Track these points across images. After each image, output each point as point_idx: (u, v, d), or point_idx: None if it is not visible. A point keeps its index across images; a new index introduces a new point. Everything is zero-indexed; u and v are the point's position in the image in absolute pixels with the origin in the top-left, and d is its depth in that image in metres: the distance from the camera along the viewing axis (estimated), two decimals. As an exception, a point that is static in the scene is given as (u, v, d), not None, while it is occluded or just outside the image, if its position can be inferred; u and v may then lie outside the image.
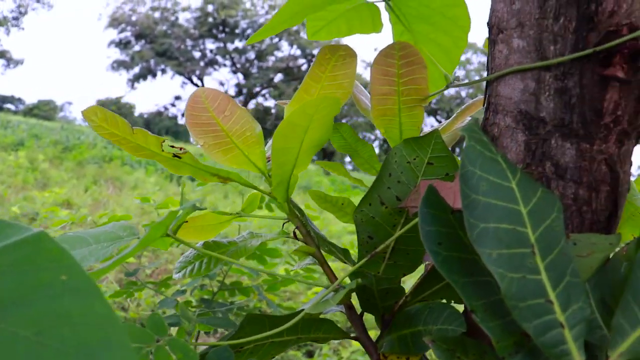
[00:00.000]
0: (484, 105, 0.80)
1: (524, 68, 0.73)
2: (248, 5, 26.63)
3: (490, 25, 0.79)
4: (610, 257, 0.69)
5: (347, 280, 0.92)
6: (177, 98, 31.43)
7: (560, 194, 0.73)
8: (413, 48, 0.88)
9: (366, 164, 0.98)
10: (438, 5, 0.96)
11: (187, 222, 1.01)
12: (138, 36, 30.32)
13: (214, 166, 0.94)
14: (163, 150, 0.89)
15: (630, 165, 0.77)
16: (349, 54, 0.90)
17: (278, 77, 26.64)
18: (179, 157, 0.90)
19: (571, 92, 0.71)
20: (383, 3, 1.01)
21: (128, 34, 30.69)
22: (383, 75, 0.90)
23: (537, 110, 0.73)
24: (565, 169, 0.72)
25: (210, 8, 28.99)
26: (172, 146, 0.89)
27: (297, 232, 0.94)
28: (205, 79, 29.34)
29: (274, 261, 2.16)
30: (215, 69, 28.06)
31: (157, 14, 30.56)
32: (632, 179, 0.97)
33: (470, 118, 1.02)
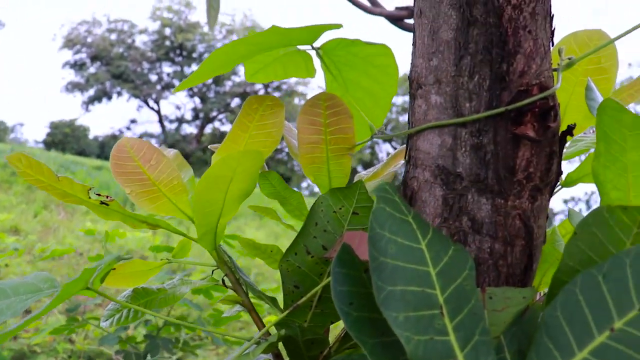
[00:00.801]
0: (405, 158, 0.82)
1: (441, 124, 0.75)
2: (206, 29, 26.63)
3: (410, 79, 0.80)
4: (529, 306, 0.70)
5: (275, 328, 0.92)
6: (133, 121, 31.05)
7: (477, 248, 0.74)
8: (338, 99, 0.90)
9: (296, 211, 0.98)
10: (365, 54, 0.97)
11: (115, 269, 0.99)
12: (93, 58, 29.96)
13: (143, 214, 0.93)
14: (90, 198, 0.88)
15: (546, 218, 0.80)
16: (276, 104, 0.91)
17: (235, 102, 26.61)
18: (107, 204, 0.90)
19: (486, 148, 0.73)
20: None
21: (83, 55, 30.28)
22: (310, 124, 0.91)
23: (454, 166, 0.74)
24: (482, 224, 0.74)
25: (167, 31, 28.85)
26: (99, 194, 0.88)
27: (226, 279, 0.93)
28: (162, 102, 29.10)
29: (220, 294, 2.14)
30: (172, 93, 27.89)
31: (113, 36, 30.28)
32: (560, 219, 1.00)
33: (402, 162, 1.04)
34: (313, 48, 0.99)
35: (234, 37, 26.43)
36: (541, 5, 0.73)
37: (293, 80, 26.99)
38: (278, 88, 26.51)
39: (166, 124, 27.34)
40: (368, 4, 2.73)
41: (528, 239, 0.75)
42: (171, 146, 23.84)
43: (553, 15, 0.78)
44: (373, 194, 0.61)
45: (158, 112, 28.46)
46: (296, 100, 27.20)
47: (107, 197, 0.88)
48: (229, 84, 26.47)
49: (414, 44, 0.80)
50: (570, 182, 1.00)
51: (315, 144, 0.92)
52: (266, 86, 26.15)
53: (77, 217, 9.52)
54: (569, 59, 0.84)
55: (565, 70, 0.82)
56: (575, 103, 1.09)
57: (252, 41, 0.90)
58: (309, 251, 0.88)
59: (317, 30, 0.91)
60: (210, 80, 27.05)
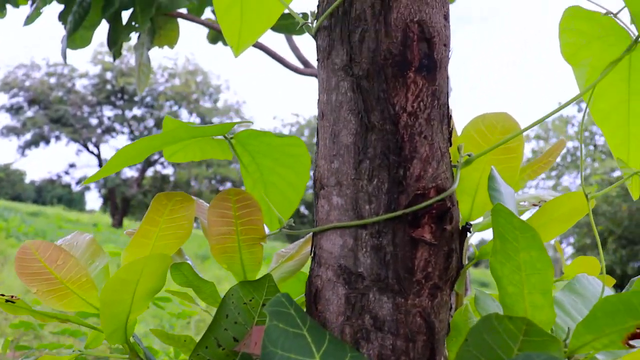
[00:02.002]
0: (311, 255, 0.84)
1: (342, 225, 0.77)
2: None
3: (314, 179, 0.83)
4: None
5: None
6: (72, 166, 30.39)
7: (380, 345, 0.76)
8: (247, 194, 0.92)
9: (209, 299, 0.98)
10: (277, 143, 1.00)
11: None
12: (31, 102, 29.31)
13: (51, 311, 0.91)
14: (-5, 295, 0.87)
15: (449, 309, 0.82)
16: (186, 199, 0.92)
17: (177, 146, 26.41)
18: (13, 302, 0.88)
19: (385, 249, 0.75)
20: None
21: (20, 99, 29.61)
22: (221, 217, 0.92)
23: (356, 266, 0.76)
24: (383, 322, 0.76)
25: (108, 75, 28.55)
26: (3, 294, 0.87)
27: (138, 373, 0.92)
28: (102, 146, 28.65)
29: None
30: (112, 137, 27.50)
31: (52, 80, 29.76)
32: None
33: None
34: (226, 138, 1.00)
35: (176, 81, 26.40)
36: (437, 110, 0.77)
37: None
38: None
39: (106, 168, 26.86)
40: (300, 65, 2.79)
41: (429, 335, 0.77)
42: (111, 190, 23.36)
43: (450, 116, 0.82)
44: (266, 310, 0.62)
45: (98, 156, 27.97)
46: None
47: (12, 296, 0.87)
48: (171, 127, 26.28)
49: (317, 144, 0.83)
50: (484, 255, 1.04)
51: (226, 235, 0.93)
52: (209, 130, 26.06)
53: (9, 267, 9.16)
54: (468, 155, 0.88)
55: (465, 167, 0.86)
56: (485, 182, 1.13)
57: (164, 137, 0.91)
58: (220, 344, 0.87)
59: (228, 126, 0.93)
60: (151, 123, 26.83)
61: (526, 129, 0.90)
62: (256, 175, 1.08)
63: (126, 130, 27.33)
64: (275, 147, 1.01)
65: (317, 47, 0.82)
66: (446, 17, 0.76)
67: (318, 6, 0.82)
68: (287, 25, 2.34)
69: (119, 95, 27.86)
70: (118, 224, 21.04)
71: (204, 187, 26.79)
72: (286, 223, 0.92)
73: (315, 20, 0.82)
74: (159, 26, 2.41)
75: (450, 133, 0.81)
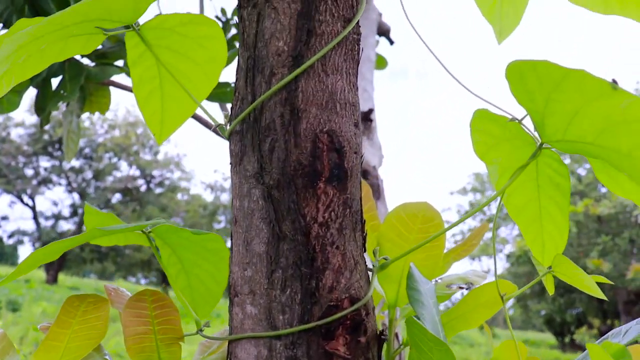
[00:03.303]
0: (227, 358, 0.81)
1: (256, 336, 0.75)
2: (87, 124, 26.08)
3: (229, 284, 0.81)
4: None
5: None
6: (4, 218, 29.27)
7: None
8: (162, 294, 0.89)
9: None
10: (196, 239, 0.98)
11: None
12: (-38, 152, 28.29)
13: None
14: None
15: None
16: (99, 300, 0.89)
17: (116, 198, 25.86)
18: None
19: (300, 361, 0.73)
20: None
21: (-50, 150, 28.56)
22: (136, 317, 0.89)
23: (270, 379, 0.74)
24: None
25: (46, 125, 27.86)
26: None
27: None
28: (38, 198, 27.76)
29: None
30: (48, 188, 26.68)
31: (-15, 130, 28.90)
32: None
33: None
34: (144, 232, 0.98)
35: (116, 132, 26.01)
36: (349, 218, 0.77)
37: (176, 175, 26.72)
38: (161, 184, 26.13)
39: (41, 220, 26.00)
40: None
41: None
42: (45, 244, 22.55)
43: (364, 222, 0.82)
44: None
45: (33, 208, 27.07)
46: (179, 196, 26.86)
47: None
48: (109, 179, 25.78)
49: (231, 249, 0.81)
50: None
51: (143, 335, 0.90)
52: (148, 182, 25.71)
53: None
54: (385, 259, 0.88)
55: (380, 271, 0.85)
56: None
57: (80, 239, 0.88)
58: None
59: (143, 226, 0.90)
60: (89, 175, 26.23)
61: (448, 228, 0.91)
62: (178, 267, 1.06)
63: (63, 181, 26.64)
64: (194, 242, 0.99)
65: (229, 151, 0.81)
66: (357, 125, 0.77)
67: (232, 108, 0.82)
68: (220, 94, 2.34)
69: (57, 145, 27.26)
70: (53, 279, 20.25)
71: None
72: (203, 324, 0.90)
73: (229, 123, 0.82)
74: (89, 92, 2.37)
75: (364, 239, 0.81)
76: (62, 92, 2.05)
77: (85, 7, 0.87)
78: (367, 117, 2.52)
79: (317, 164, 0.73)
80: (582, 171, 20.74)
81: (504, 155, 0.89)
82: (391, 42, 3.62)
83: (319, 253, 0.74)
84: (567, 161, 20.83)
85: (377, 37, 3.62)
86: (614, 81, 0.65)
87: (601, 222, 18.50)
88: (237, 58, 0.86)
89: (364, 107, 2.60)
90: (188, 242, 1.00)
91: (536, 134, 0.80)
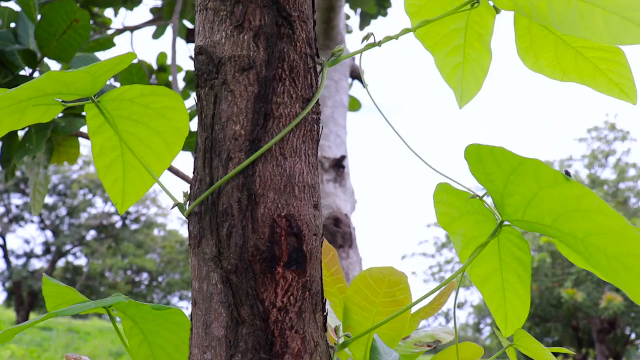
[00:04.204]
0: None
1: None
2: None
3: (188, 368, 0.79)
4: None
5: None
6: (-25, 257, 28.62)
7: None
8: None
9: None
10: (158, 313, 0.96)
11: None
12: None
13: None
14: None
15: None
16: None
17: (91, 235, 25.48)
18: None
19: None
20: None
21: None
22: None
23: None
24: None
25: (11, 178, 27.48)
26: None
27: None
28: (9, 236, 27.23)
29: None
30: (20, 226, 26.20)
31: (-44, 167, 28.38)
32: None
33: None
34: (106, 307, 0.96)
35: (91, 168, 25.77)
36: (309, 301, 0.76)
37: (152, 211, 26.44)
38: (137, 220, 25.83)
39: (12, 259, 25.44)
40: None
41: None
42: (16, 284, 22.09)
43: (325, 300, 0.80)
44: None
45: (3, 246, 26.56)
46: (155, 232, 26.57)
47: None
48: (84, 215, 25.44)
49: (191, 330, 0.79)
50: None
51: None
52: (124, 218, 25.39)
53: None
54: (347, 335, 0.87)
55: (342, 349, 0.84)
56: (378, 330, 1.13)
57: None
58: None
59: None
60: (63, 212, 25.84)
61: (417, 301, 0.90)
62: (140, 338, 1.04)
63: (36, 219, 26.22)
64: (156, 315, 0.97)
65: (188, 232, 0.80)
66: (316, 206, 0.76)
67: (190, 188, 0.81)
68: (192, 143, 2.33)
69: (29, 182, 26.89)
70: (23, 320, 19.77)
71: (119, 278, 25.79)
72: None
73: (188, 202, 0.81)
74: (57, 143, 2.34)
75: (325, 318, 0.79)
76: (27, 145, 2.02)
77: (41, 83, 0.86)
78: (339, 164, 2.53)
79: (276, 249, 0.72)
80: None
81: (467, 227, 0.89)
82: (364, 85, 3.65)
83: (277, 338, 0.72)
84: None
85: (349, 80, 3.65)
86: (567, 172, 0.66)
87: (576, 253, 18.64)
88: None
89: (336, 154, 2.61)
90: (150, 315, 0.98)
91: (497, 212, 0.81)
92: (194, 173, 0.80)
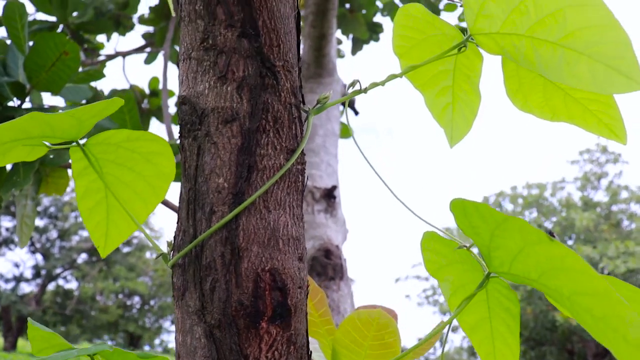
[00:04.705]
0: None
1: None
2: (52, 182, 25.67)
3: None
4: None
5: None
6: (-36, 280, 28.31)
7: None
8: None
9: None
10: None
11: None
12: None
13: None
14: None
15: None
16: None
17: (82, 258, 25.29)
18: None
19: None
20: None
21: None
22: None
23: None
24: None
25: None
26: None
27: None
28: (-1, 259, 27.00)
29: None
30: (10, 249, 25.98)
31: (-53, 190, 28.19)
32: None
33: None
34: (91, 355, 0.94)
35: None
36: (293, 355, 0.74)
37: (144, 235, 26.26)
38: (128, 243, 25.68)
39: (1, 283, 25.19)
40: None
41: None
42: (5, 309, 21.84)
43: (311, 353, 0.79)
44: None
45: (-6, 270, 26.29)
46: (147, 255, 26.40)
47: None
48: (75, 238, 25.26)
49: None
50: None
51: None
52: (116, 241, 25.13)
53: None
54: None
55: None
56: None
57: None
58: None
59: None
60: (54, 235, 25.68)
61: (405, 354, 0.89)
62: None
63: (34, 224, 25.99)
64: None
65: (172, 283, 0.78)
66: (301, 258, 0.75)
67: (174, 238, 0.79)
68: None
69: (21, 205, 26.67)
70: (11, 346, 19.50)
71: (111, 301, 25.54)
72: None
73: (172, 252, 0.79)
74: (46, 174, 2.33)
75: (310, 370, 0.78)
76: (15, 177, 2.00)
77: (26, 124, 0.85)
78: (330, 194, 2.52)
79: (260, 304, 0.71)
80: (548, 224, 21.04)
81: (455, 275, 0.88)
82: (356, 113, 3.66)
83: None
84: (535, 214, 21.14)
85: (341, 107, 3.66)
86: (551, 233, 0.65)
87: (569, 276, 18.62)
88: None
89: (327, 184, 2.60)
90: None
91: (484, 263, 0.80)
92: (177, 223, 0.79)
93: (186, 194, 0.76)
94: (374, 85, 0.85)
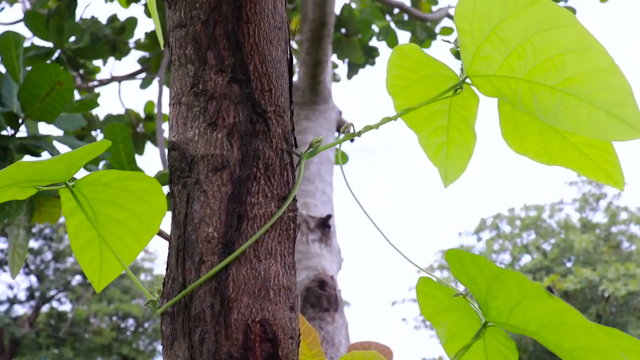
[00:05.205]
0: None
1: None
2: (48, 203, 25.58)
3: None
4: None
5: None
6: (-42, 302, 28.06)
7: None
8: None
9: None
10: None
11: None
12: None
13: None
14: None
15: None
16: None
17: (76, 280, 25.10)
18: None
19: None
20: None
21: None
22: None
23: None
24: None
25: (5, 205, 27.17)
26: None
27: None
28: (-7, 281, 26.78)
29: None
30: (4, 270, 25.83)
31: (-58, 211, 28.04)
32: None
33: None
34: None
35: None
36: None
37: (139, 256, 26.18)
38: (123, 265, 25.44)
39: (-5, 305, 24.98)
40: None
41: None
42: None
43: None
44: None
45: (-13, 292, 26.09)
46: (142, 277, 26.24)
47: None
48: (70, 260, 25.09)
49: None
50: None
51: None
52: (111, 263, 24.98)
53: None
54: None
55: None
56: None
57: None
58: None
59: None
60: (49, 256, 25.53)
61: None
62: None
63: (26, 253, 25.82)
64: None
65: (161, 332, 0.76)
66: (292, 308, 0.73)
67: (163, 285, 0.77)
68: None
69: (16, 226, 26.53)
70: (5, 369, 19.24)
71: (105, 324, 25.31)
72: None
73: (162, 299, 0.77)
74: (39, 203, 2.30)
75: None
76: (7, 208, 1.98)
77: (13, 173, 0.84)
78: (325, 224, 2.50)
79: (250, 356, 0.68)
80: (547, 246, 21.00)
81: (451, 321, 0.86)
82: (352, 140, 3.66)
83: None
84: (532, 236, 21.08)
85: (336, 134, 3.65)
86: (550, 289, 0.63)
87: (568, 298, 18.60)
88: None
89: (322, 212, 2.58)
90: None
91: (481, 312, 0.78)
92: (167, 270, 0.77)
93: (176, 241, 0.74)
94: (368, 128, 0.84)
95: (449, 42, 0.87)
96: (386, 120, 0.86)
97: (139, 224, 1.00)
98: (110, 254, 1.05)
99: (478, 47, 0.81)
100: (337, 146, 0.86)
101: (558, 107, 0.79)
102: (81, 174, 0.95)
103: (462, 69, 0.88)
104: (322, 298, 2.23)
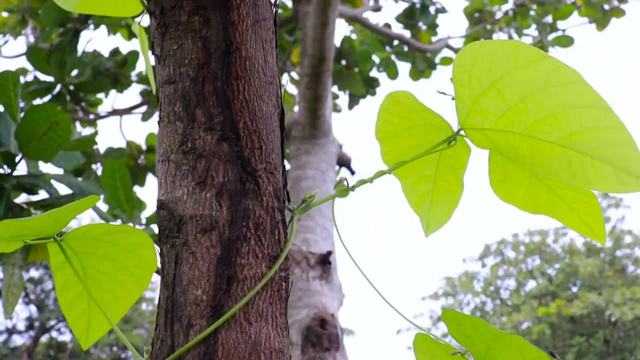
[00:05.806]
0: None
1: None
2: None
3: None
4: None
5: None
6: (-42, 333, 27.84)
7: None
8: None
9: None
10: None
11: None
12: None
13: None
14: None
15: None
16: None
17: (77, 310, 24.88)
18: None
19: None
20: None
21: None
22: None
23: None
24: None
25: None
26: None
27: None
28: (-6, 311, 26.48)
29: None
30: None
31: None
32: None
33: None
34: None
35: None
36: None
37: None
38: (125, 294, 25.28)
39: (-5, 336, 24.78)
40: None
41: None
42: (-1, 362, 21.41)
43: None
44: None
45: (-13, 322, 25.90)
46: (143, 306, 26.08)
47: None
48: (71, 290, 24.89)
49: None
50: None
51: None
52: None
53: None
54: None
55: None
56: None
57: None
58: None
59: None
60: (49, 286, 25.39)
61: None
62: None
63: (21, 293, 25.67)
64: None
65: (149, 395, 0.74)
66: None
67: (152, 345, 0.75)
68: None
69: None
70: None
71: (105, 354, 25.08)
72: None
73: (151, 359, 0.75)
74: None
75: None
76: None
77: (0, 230, 0.82)
78: (325, 260, 2.47)
79: None
80: (552, 271, 20.85)
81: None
82: (352, 173, 3.64)
83: None
84: (537, 261, 20.95)
85: (337, 167, 3.64)
86: (552, 354, 0.61)
87: (575, 323, 18.42)
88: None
89: (323, 249, 2.55)
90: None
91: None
92: (155, 330, 0.75)
93: (164, 301, 0.72)
94: (362, 182, 0.82)
95: (444, 94, 0.86)
96: (380, 173, 0.84)
97: (130, 277, 0.98)
98: (99, 310, 1.03)
99: (475, 101, 0.79)
100: (332, 200, 0.84)
101: (559, 162, 0.77)
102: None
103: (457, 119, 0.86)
104: (323, 337, 2.19)
